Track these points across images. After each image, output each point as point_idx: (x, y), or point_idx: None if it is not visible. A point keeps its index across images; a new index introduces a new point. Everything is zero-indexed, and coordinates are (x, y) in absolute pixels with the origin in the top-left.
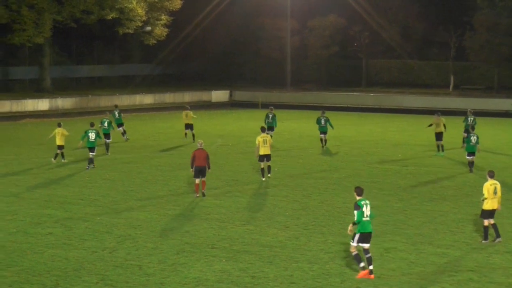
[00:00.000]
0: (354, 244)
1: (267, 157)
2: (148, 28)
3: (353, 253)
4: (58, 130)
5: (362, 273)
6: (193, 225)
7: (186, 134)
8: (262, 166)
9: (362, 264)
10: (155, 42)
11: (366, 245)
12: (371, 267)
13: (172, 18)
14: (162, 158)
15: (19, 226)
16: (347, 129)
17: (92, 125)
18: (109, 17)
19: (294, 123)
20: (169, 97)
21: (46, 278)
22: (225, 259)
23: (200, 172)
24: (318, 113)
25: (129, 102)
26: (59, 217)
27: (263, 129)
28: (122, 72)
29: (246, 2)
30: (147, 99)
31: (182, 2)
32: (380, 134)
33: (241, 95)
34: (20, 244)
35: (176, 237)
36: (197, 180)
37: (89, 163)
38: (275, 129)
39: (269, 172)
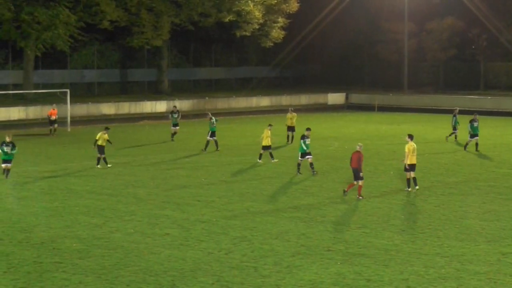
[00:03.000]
0: None
1: (413, 167)
2: None
3: None
4: (267, 131)
5: None
6: (309, 228)
7: (288, 136)
8: (408, 177)
9: None
10: (272, 44)
11: None
12: None
13: (289, 20)
14: (278, 159)
15: (137, 226)
16: (465, 131)
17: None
18: (227, 20)
19: (411, 126)
20: (285, 100)
21: (163, 278)
22: (340, 262)
23: (353, 173)
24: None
25: (246, 104)
26: (176, 218)
27: (411, 137)
28: (239, 75)
29: (363, 6)
30: (264, 101)
31: (299, 5)
32: (498, 138)
33: (357, 97)
34: (138, 244)
35: (292, 239)
36: (355, 182)
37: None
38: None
39: (415, 185)
